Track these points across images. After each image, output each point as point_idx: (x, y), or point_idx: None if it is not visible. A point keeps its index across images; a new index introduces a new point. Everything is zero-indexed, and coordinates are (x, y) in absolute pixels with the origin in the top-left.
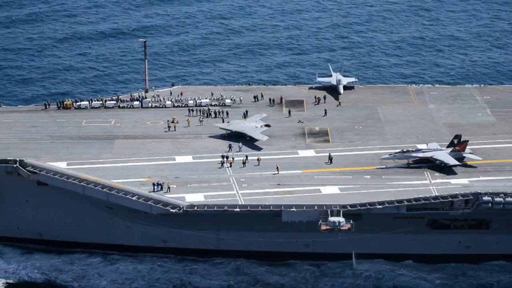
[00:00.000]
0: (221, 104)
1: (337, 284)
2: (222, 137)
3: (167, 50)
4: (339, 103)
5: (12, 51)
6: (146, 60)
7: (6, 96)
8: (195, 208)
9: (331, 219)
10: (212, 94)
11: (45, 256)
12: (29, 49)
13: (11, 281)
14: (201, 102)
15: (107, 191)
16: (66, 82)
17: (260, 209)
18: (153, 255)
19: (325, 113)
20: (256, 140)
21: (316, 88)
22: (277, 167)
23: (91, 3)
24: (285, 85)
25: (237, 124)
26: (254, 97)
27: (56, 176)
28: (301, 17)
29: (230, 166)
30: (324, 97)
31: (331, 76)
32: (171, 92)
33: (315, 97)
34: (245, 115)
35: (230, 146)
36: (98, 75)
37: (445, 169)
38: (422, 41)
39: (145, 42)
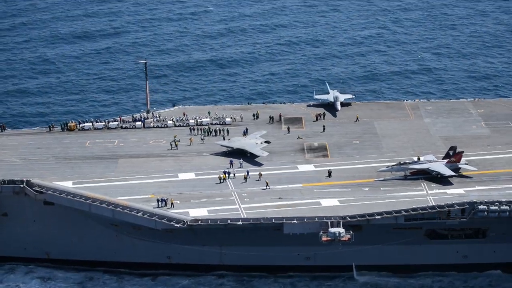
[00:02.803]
0: (221, 122)
1: None
2: (224, 154)
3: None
4: (357, 118)
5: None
6: (147, 81)
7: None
8: (199, 223)
9: (332, 230)
10: (209, 113)
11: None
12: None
13: None
14: (201, 121)
15: (113, 208)
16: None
17: (262, 221)
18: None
19: (324, 129)
20: (256, 156)
21: (314, 105)
22: (267, 183)
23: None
24: (284, 103)
25: (238, 141)
26: (253, 115)
27: (62, 195)
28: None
29: (224, 181)
30: (324, 114)
31: (328, 93)
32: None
33: (316, 115)
34: (245, 133)
35: (231, 163)
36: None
37: (442, 180)
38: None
39: (145, 63)
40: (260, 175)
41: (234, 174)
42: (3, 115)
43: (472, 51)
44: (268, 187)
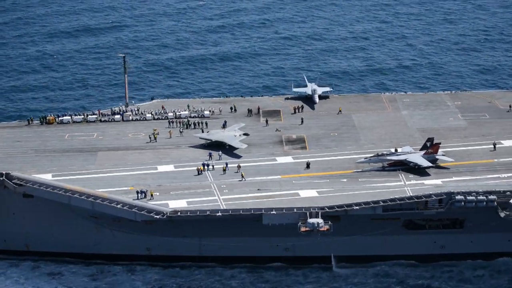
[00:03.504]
0: (200, 115)
1: None
2: (202, 146)
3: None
4: (340, 110)
5: None
6: (126, 75)
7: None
8: (179, 214)
9: (310, 220)
10: (188, 106)
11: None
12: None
13: None
14: (180, 114)
15: (92, 200)
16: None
17: (241, 212)
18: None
19: (302, 121)
20: (235, 148)
21: (292, 98)
22: (242, 174)
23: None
24: (262, 96)
25: (217, 134)
26: (231, 108)
27: (42, 188)
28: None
29: (201, 172)
30: (302, 107)
31: (306, 86)
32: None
33: (294, 107)
34: (224, 125)
35: (210, 155)
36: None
37: (419, 171)
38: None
39: (124, 57)
40: (239, 167)
41: (213, 166)
42: (5, 109)
43: (472, 44)
44: (243, 179)
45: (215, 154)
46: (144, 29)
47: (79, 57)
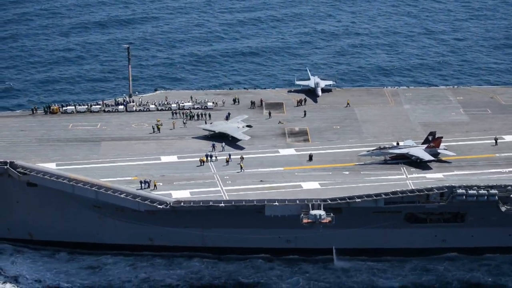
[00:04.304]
0: (203, 107)
1: None
2: (206, 137)
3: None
4: (348, 103)
5: None
6: (130, 66)
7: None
8: (182, 204)
9: (312, 212)
10: (191, 97)
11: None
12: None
13: None
14: (183, 106)
15: (96, 189)
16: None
17: (244, 203)
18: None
19: (305, 114)
20: (238, 140)
21: (295, 91)
22: (241, 166)
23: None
24: (265, 88)
25: (220, 125)
26: (234, 100)
27: (46, 176)
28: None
29: (203, 163)
30: (305, 100)
31: (309, 79)
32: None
33: (297, 100)
34: (227, 117)
35: (213, 146)
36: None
37: (421, 165)
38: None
39: (128, 47)
40: (242, 158)
41: (216, 157)
42: (29, 103)
43: (503, 39)
44: (242, 170)
45: (218, 145)
46: (171, 22)
47: (105, 49)
